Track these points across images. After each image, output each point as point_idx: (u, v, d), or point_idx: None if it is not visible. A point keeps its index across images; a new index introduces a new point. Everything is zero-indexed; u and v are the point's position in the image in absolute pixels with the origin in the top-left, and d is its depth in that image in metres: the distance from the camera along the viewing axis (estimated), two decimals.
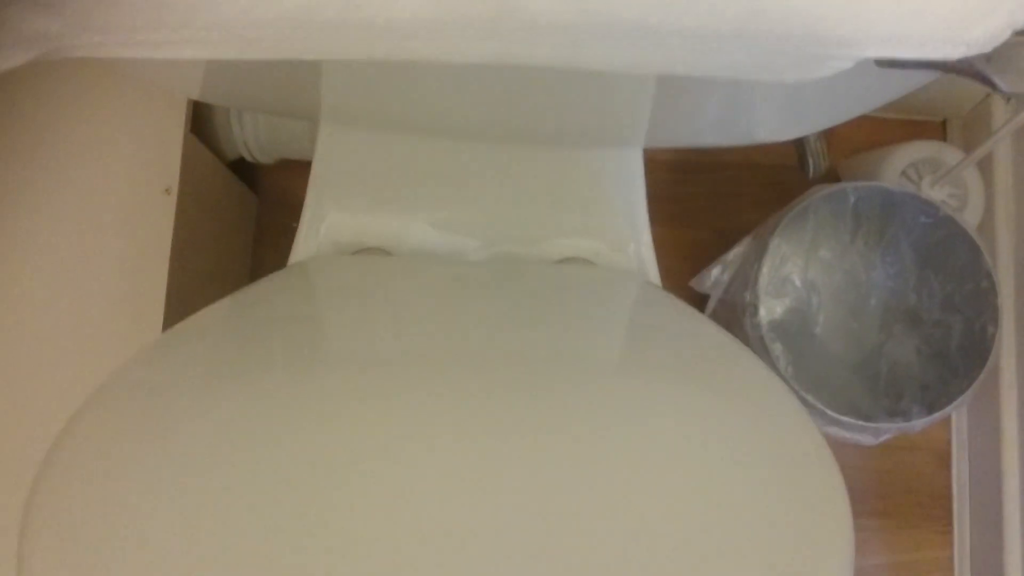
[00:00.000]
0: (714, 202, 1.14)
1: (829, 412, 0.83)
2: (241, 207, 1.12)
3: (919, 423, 0.84)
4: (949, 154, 1.03)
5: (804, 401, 0.84)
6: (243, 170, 1.10)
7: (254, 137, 1.00)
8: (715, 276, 0.89)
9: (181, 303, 0.88)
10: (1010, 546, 1.00)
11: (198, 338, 0.55)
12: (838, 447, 1.09)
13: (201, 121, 0.98)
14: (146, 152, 0.88)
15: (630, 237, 0.67)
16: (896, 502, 1.09)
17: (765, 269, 0.85)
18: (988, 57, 0.42)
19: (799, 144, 0.80)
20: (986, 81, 0.42)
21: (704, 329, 0.61)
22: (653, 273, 0.67)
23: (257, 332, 0.56)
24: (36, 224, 0.85)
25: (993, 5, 0.34)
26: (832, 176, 1.12)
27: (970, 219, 0.98)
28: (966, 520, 1.07)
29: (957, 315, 0.90)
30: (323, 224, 0.67)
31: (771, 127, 0.60)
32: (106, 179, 0.87)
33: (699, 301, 0.94)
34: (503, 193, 0.67)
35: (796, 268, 0.91)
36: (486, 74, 0.52)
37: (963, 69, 0.42)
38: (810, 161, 0.81)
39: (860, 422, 0.83)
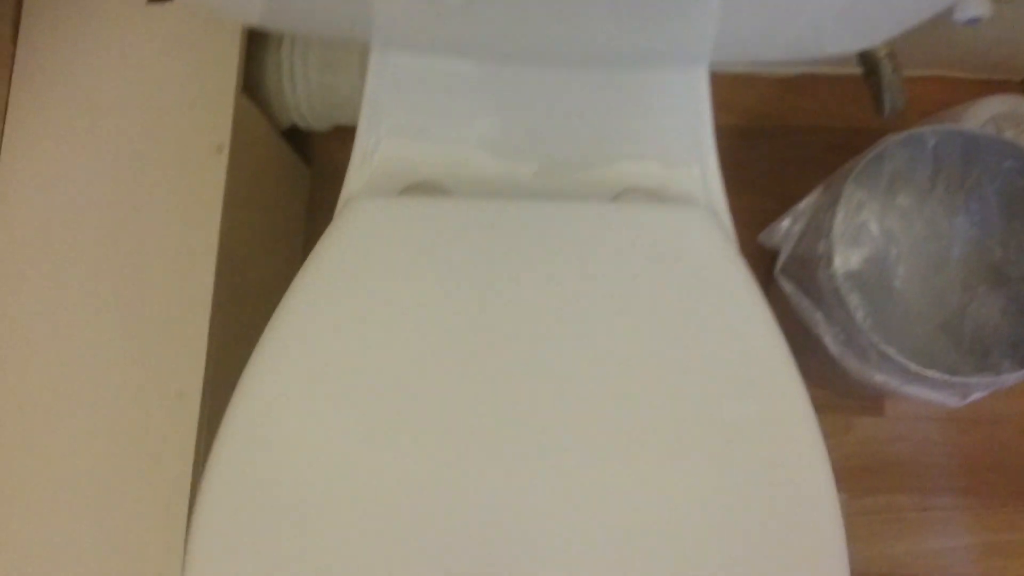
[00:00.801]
0: (781, 168, 1.10)
1: (912, 366, 0.78)
2: (294, 177, 1.10)
3: (1010, 377, 0.78)
4: None
5: (885, 355, 0.79)
6: (296, 142, 1.09)
7: (307, 100, 0.98)
8: (785, 228, 0.85)
9: (232, 261, 0.86)
10: None
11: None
12: (920, 421, 1.03)
13: (254, 86, 0.97)
14: (197, 110, 0.86)
15: (695, 159, 0.63)
16: (983, 479, 1.03)
17: (839, 217, 0.80)
18: None
19: (873, 77, 0.76)
20: None
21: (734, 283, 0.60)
22: (719, 198, 0.63)
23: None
24: (88, 175, 0.84)
25: None
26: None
27: None
28: None
29: None
30: (376, 154, 0.65)
31: (840, 30, 0.56)
32: (157, 134, 0.86)
33: (768, 258, 0.89)
34: (561, 116, 0.64)
35: (872, 215, 0.86)
36: None
37: None
38: (886, 97, 0.76)
39: (946, 376, 0.78)
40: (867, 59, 0.76)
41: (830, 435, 1.02)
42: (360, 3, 0.55)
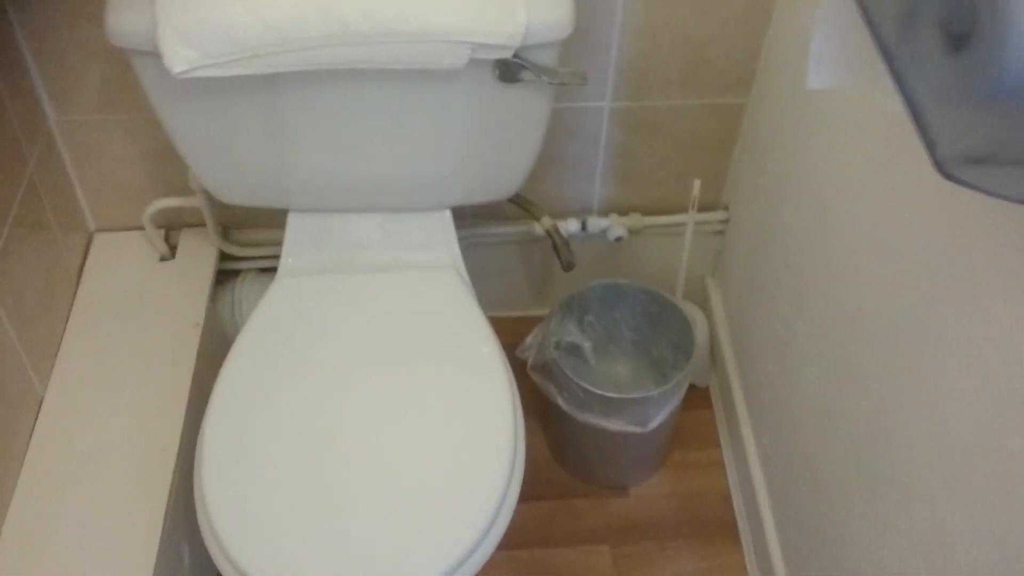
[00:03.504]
0: None
1: (596, 391, 1.36)
2: None
3: (656, 390, 1.36)
4: None
5: (588, 392, 1.37)
6: None
7: (242, 319, 1.60)
8: (529, 342, 1.47)
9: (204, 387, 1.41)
10: (772, 548, 1.42)
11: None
12: (653, 498, 1.55)
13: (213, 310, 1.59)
14: (185, 306, 1.48)
15: (446, 249, 1.29)
16: (698, 529, 1.53)
17: (552, 323, 1.44)
18: (547, 72, 1.09)
19: (552, 244, 1.44)
20: (540, 74, 1.10)
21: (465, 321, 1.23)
22: (461, 268, 1.28)
23: None
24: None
25: (515, 14, 1.03)
26: None
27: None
28: (748, 535, 1.50)
29: (680, 352, 1.46)
30: (289, 262, 1.29)
31: (477, 176, 1.26)
32: (164, 317, 1.46)
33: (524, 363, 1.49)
34: (387, 234, 1.31)
35: (574, 326, 1.49)
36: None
37: (527, 69, 1.09)
38: (562, 256, 1.44)
39: (618, 394, 1.35)
40: (549, 235, 1.45)
41: (592, 512, 1.53)
42: (283, 196, 1.24)
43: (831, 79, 0.85)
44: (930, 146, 0.57)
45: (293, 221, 1.32)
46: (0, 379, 1.23)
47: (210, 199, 1.44)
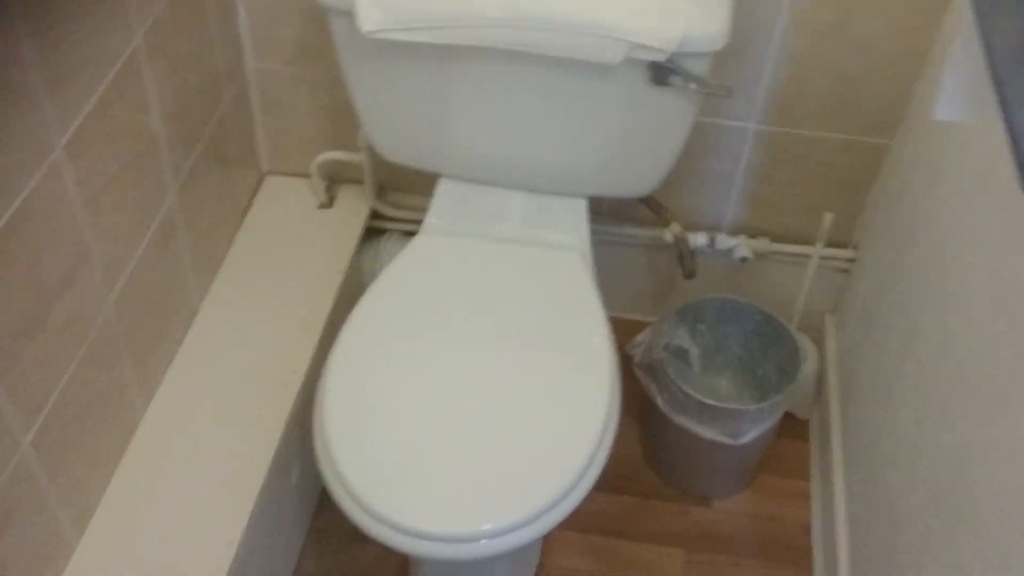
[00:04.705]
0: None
1: (696, 395, 1.41)
2: None
3: (754, 407, 1.41)
4: None
5: (686, 395, 1.42)
6: None
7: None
8: (639, 339, 1.53)
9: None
10: None
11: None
12: (733, 514, 1.59)
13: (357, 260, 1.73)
14: (335, 256, 1.62)
15: (576, 232, 1.37)
16: (773, 551, 1.56)
17: (664, 328, 1.50)
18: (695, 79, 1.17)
19: (677, 250, 1.50)
20: (688, 81, 1.17)
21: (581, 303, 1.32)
22: (588, 251, 1.36)
23: None
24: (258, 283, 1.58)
25: (675, 21, 1.11)
26: None
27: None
28: (822, 567, 1.52)
29: (784, 375, 1.50)
30: (433, 220, 1.40)
31: (616, 171, 1.34)
32: (317, 265, 1.60)
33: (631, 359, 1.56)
34: (528, 214, 1.40)
35: (685, 332, 1.55)
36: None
37: (679, 74, 1.17)
38: (685, 263, 1.50)
39: (715, 402, 1.41)
40: (676, 241, 1.52)
41: (672, 516, 1.58)
42: (438, 161, 1.36)
43: (955, 111, 0.89)
44: (1021, 168, 0.62)
45: (443, 185, 1.43)
46: (168, 286, 1.39)
47: (372, 158, 1.57)
